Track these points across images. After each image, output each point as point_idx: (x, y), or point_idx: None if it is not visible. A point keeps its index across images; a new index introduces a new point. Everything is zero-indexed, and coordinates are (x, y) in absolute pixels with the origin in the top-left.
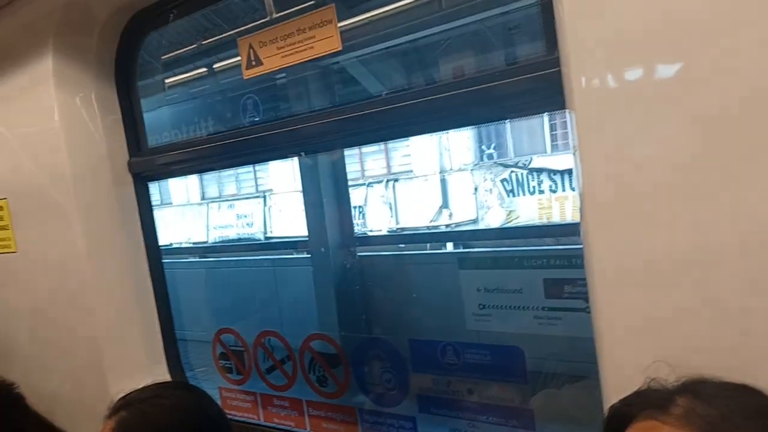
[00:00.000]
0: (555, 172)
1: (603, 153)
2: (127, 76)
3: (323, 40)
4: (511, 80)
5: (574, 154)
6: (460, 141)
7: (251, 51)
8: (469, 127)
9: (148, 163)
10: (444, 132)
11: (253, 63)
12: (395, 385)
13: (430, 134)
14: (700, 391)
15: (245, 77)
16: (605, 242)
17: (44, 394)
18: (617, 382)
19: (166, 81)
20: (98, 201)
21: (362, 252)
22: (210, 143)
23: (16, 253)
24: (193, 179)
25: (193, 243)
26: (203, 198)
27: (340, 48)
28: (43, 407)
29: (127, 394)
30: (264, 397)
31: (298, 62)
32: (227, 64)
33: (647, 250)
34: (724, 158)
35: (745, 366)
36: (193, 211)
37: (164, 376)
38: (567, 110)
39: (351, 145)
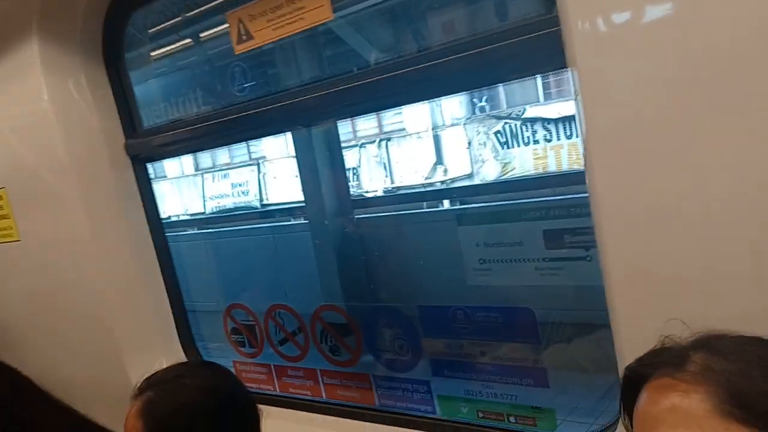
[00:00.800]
0: (549, 120)
1: (605, 103)
2: (115, 57)
3: (314, 10)
4: (510, 42)
5: (576, 103)
6: (452, 96)
7: (241, 25)
8: (468, 92)
9: (144, 145)
10: (443, 98)
11: (244, 37)
12: (407, 351)
13: (428, 101)
14: (715, 346)
15: (237, 52)
16: (611, 191)
17: (60, 380)
18: (631, 340)
19: (152, 54)
20: (98, 185)
21: (360, 215)
22: (206, 122)
23: (19, 241)
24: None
25: (191, 215)
26: (197, 169)
27: (331, 17)
28: (61, 393)
29: (151, 375)
30: (278, 368)
31: (289, 34)
32: (213, 33)
33: (656, 198)
34: (725, 98)
35: (760, 319)
36: (188, 183)
37: (177, 351)
38: (569, 68)
39: (347, 116)
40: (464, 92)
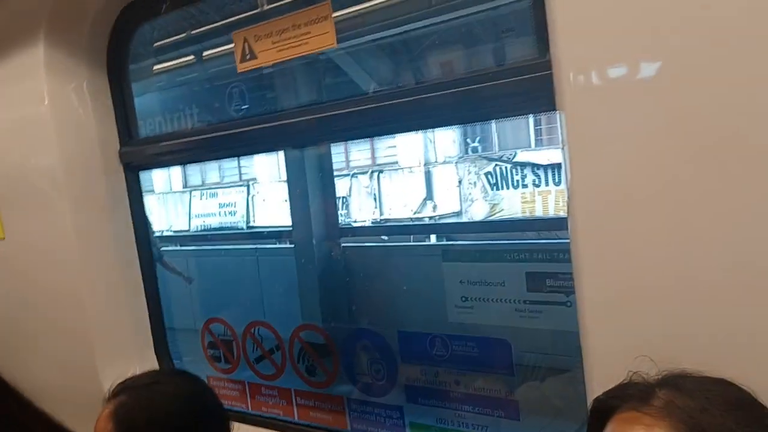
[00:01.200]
0: (539, 166)
1: (591, 151)
2: (119, 66)
3: (318, 36)
4: (503, 81)
5: (562, 150)
6: (446, 134)
7: (246, 45)
8: (457, 126)
9: (138, 153)
10: (435, 129)
11: (248, 56)
12: (383, 376)
13: (422, 131)
14: (680, 384)
15: (239, 71)
16: (592, 237)
17: (33, 381)
18: (601, 375)
19: (154, 68)
20: (88, 189)
21: (346, 243)
22: (201, 134)
23: (4, 239)
24: (176, 167)
25: (175, 231)
26: (185, 186)
27: (335, 45)
28: (33, 395)
29: (126, 380)
30: (252, 386)
31: (292, 57)
32: (216, 52)
33: (633, 245)
34: (709, 156)
35: (725, 361)
36: (175, 199)
37: (153, 364)
38: (557, 111)
39: (340, 140)
40: (456, 125)
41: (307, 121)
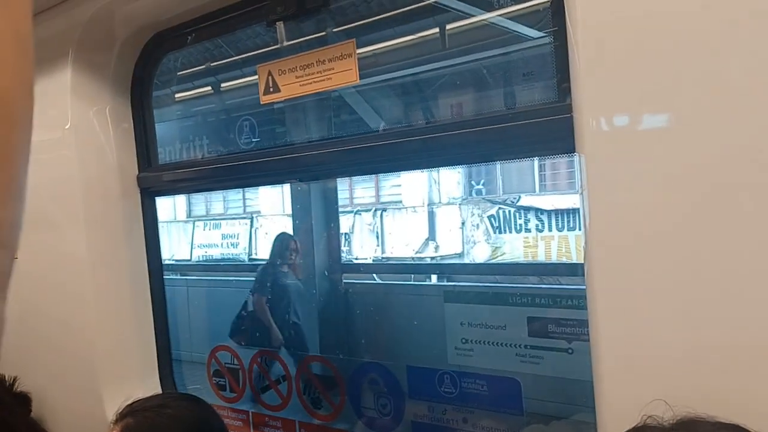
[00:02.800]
0: (542, 211)
1: (610, 197)
2: (142, 93)
3: (341, 73)
4: (523, 123)
5: (580, 195)
6: (450, 175)
7: (270, 78)
8: (476, 165)
9: (156, 179)
10: (452, 167)
11: (271, 89)
12: (390, 410)
13: (437, 168)
14: (695, 429)
15: (262, 102)
16: (609, 282)
17: (37, 399)
18: (614, 421)
19: (176, 96)
20: (105, 212)
21: (348, 279)
22: (217, 164)
23: (16, 259)
24: (180, 197)
25: (176, 260)
26: (189, 216)
27: (357, 81)
28: (36, 412)
29: (133, 402)
30: (256, 416)
31: (314, 91)
32: (231, 85)
33: (650, 293)
34: (726, 203)
35: (740, 407)
36: (179, 229)
37: (156, 388)
38: (577, 154)
39: (351, 175)
40: (476, 164)
41: (320, 155)
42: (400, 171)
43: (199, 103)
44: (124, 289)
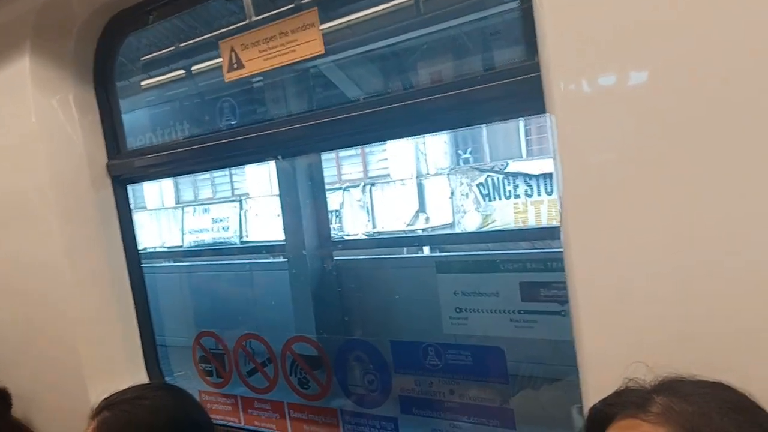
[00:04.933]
0: (530, 176)
1: (582, 155)
2: (105, 78)
3: (306, 44)
4: (492, 85)
5: (553, 156)
6: (437, 146)
7: (233, 54)
8: (448, 131)
9: (126, 166)
10: (423, 135)
11: (235, 66)
12: (377, 387)
13: (409, 138)
14: (677, 389)
15: (227, 80)
16: (585, 243)
17: (21, 397)
18: (596, 382)
19: (142, 83)
20: (76, 203)
21: (339, 256)
22: (189, 146)
23: None
24: (167, 183)
25: (168, 247)
26: (178, 202)
27: (322, 51)
28: (20, 411)
29: (110, 395)
30: (245, 400)
31: (280, 65)
32: (205, 66)
33: (626, 252)
34: (699, 161)
35: (721, 365)
36: (168, 216)
37: (143, 379)
38: (547, 114)
39: (330, 149)
40: (448, 130)
41: (297, 129)
42: (381, 141)
43: (174, 88)
44: (103, 280)
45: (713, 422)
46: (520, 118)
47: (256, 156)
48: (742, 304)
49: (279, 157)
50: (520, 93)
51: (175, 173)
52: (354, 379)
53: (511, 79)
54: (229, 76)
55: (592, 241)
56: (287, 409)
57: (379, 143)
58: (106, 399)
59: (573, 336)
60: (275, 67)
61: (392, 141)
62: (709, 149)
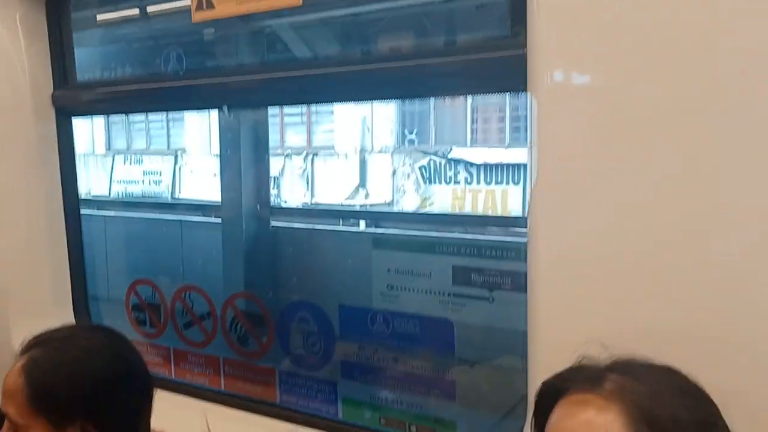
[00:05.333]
0: (472, 164)
1: (559, 144)
2: (59, 1)
3: None
4: (474, 56)
5: (529, 142)
6: (384, 123)
7: None
8: (426, 99)
9: (73, 98)
10: (391, 101)
11: (204, 6)
12: (319, 350)
13: (375, 101)
14: (630, 369)
15: (194, 20)
16: (551, 231)
17: None
18: (546, 362)
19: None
20: (15, 134)
21: (277, 223)
22: (140, 84)
23: None
24: (99, 128)
25: (94, 196)
26: (109, 149)
27: (299, 3)
28: None
29: (41, 333)
30: (178, 352)
31: (253, 11)
32: (161, 9)
33: (592, 243)
34: (674, 152)
35: (672, 350)
36: (97, 162)
37: (70, 321)
38: (528, 93)
39: (287, 103)
40: (425, 98)
41: (253, 81)
42: (337, 102)
43: (124, 28)
44: (37, 218)
45: (665, 403)
46: (501, 93)
47: (204, 103)
48: (702, 300)
49: (226, 107)
50: (502, 69)
51: (122, 110)
52: (296, 341)
53: (494, 53)
54: (198, 17)
55: (559, 229)
56: (222, 365)
57: (340, 102)
58: (35, 337)
59: (527, 317)
60: (248, 12)
61: (350, 104)
62: (688, 142)
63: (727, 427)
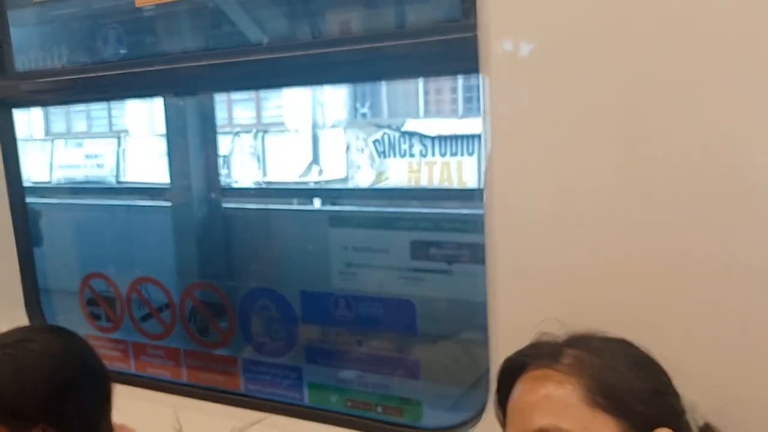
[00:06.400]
0: (426, 137)
1: (512, 118)
2: None
3: None
4: (426, 40)
5: (483, 117)
6: (335, 97)
7: None
8: (377, 82)
9: (12, 89)
10: (341, 85)
11: None
12: (282, 336)
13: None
14: (587, 343)
15: (138, 5)
16: (508, 202)
17: None
18: (506, 339)
19: None
20: None
21: (229, 204)
22: (84, 73)
23: None
24: (37, 111)
25: (34, 182)
26: (48, 133)
27: None
28: None
29: None
30: (136, 346)
31: None
32: None
33: (549, 216)
34: (626, 120)
35: (625, 324)
36: (35, 148)
37: (23, 322)
38: (480, 75)
39: (235, 90)
40: (377, 81)
41: (200, 67)
42: (287, 87)
43: (60, 8)
44: None
45: (620, 375)
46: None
47: (151, 91)
48: (662, 277)
49: (174, 94)
50: (453, 51)
51: (65, 101)
52: (258, 328)
53: (445, 36)
54: (141, 1)
55: (516, 202)
56: (183, 357)
57: (290, 87)
58: None
59: (487, 293)
60: None
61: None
62: (643, 120)
63: (678, 394)
